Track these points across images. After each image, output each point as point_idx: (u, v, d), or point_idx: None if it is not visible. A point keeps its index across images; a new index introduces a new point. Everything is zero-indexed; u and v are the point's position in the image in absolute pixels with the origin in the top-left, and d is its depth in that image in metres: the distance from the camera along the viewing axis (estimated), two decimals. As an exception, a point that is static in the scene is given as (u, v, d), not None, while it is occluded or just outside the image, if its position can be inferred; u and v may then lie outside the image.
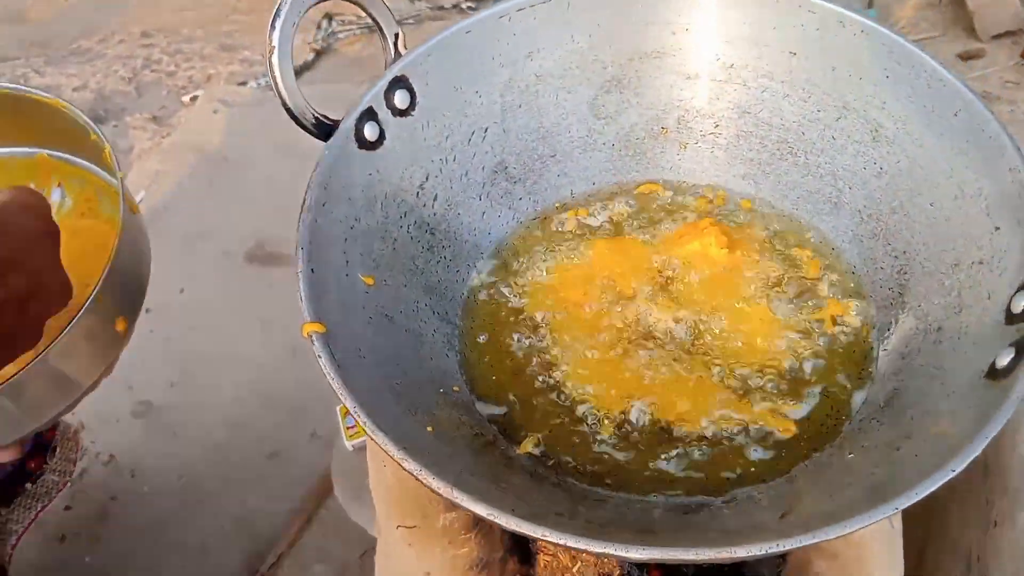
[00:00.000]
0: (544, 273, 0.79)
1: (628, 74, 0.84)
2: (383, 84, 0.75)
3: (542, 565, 0.83)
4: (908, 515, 0.72)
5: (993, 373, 0.57)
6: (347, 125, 0.72)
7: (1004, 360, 0.56)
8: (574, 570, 0.79)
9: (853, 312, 0.73)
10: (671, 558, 0.49)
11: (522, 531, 0.51)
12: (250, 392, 1.49)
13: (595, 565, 0.78)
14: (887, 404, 0.65)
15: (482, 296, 0.79)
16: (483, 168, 0.83)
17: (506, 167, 0.84)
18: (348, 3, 0.74)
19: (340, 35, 2.48)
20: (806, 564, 0.63)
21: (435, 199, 0.79)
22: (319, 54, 2.47)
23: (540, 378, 0.72)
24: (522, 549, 0.85)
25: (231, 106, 2.00)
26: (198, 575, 1.27)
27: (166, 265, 1.72)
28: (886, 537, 0.64)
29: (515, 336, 0.75)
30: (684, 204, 0.83)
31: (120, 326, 0.77)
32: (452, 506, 0.74)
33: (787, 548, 0.47)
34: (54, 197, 0.92)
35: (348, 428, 1.06)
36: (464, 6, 2.55)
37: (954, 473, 0.50)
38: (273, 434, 1.42)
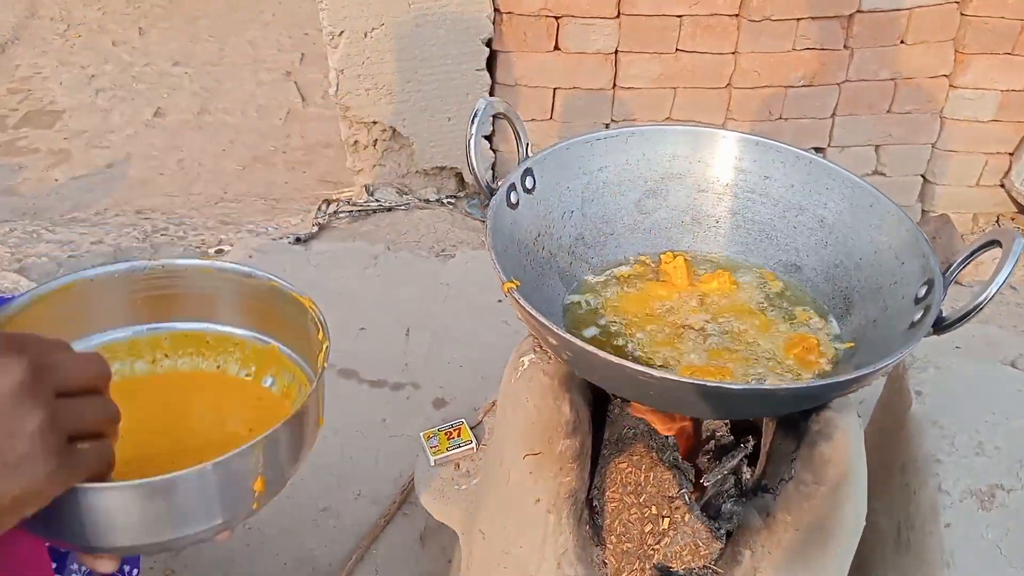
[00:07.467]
0: (614, 300, 1.18)
1: (661, 187, 1.29)
2: (520, 170, 1.17)
3: (610, 509, 1.14)
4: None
5: (912, 325, 0.98)
6: (502, 192, 1.13)
7: (917, 316, 0.98)
8: (641, 500, 1.11)
9: (816, 319, 1.15)
10: (712, 383, 0.84)
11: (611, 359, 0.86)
12: (296, 467, 1.72)
13: (658, 493, 1.10)
14: (849, 360, 1.05)
15: (575, 313, 1.16)
16: (570, 236, 1.24)
17: (583, 238, 1.25)
18: (503, 120, 1.17)
19: (342, 215, 2.92)
20: (813, 446, 0.98)
21: (542, 249, 1.19)
22: (321, 227, 2.89)
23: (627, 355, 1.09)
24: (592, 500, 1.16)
25: (265, 253, 2.35)
26: (264, 605, 1.46)
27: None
28: (859, 437, 1.01)
29: (601, 336, 1.13)
30: (699, 264, 1.26)
31: (258, 485, 0.79)
32: (570, 433, 1.06)
33: (826, 382, 0.84)
34: (264, 383, 1.00)
35: (432, 447, 1.35)
36: (444, 200, 3.06)
37: (908, 350, 0.90)
38: (323, 494, 1.65)
